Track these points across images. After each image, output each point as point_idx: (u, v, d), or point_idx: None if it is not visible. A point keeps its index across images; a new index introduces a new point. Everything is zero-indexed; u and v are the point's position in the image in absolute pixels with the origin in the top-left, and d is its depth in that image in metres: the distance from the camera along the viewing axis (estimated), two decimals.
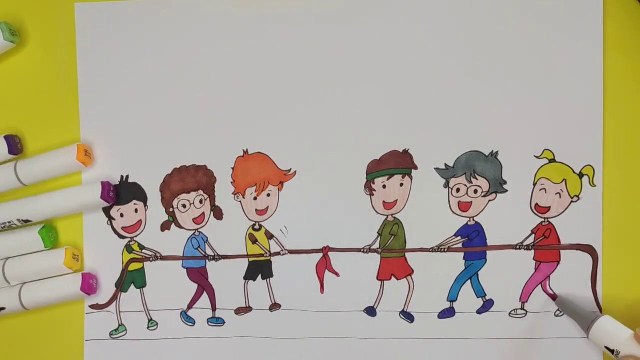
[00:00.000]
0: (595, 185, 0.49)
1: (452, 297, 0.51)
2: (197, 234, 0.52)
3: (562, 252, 0.50)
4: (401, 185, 0.50)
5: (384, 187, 0.50)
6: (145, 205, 0.52)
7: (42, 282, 0.51)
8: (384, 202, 0.51)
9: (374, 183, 0.51)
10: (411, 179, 0.50)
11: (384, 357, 0.51)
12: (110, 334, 0.53)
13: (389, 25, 0.50)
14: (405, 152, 0.50)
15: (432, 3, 0.50)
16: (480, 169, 0.50)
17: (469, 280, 0.50)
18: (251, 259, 0.52)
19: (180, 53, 0.51)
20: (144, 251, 0.52)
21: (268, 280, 0.52)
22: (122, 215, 0.52)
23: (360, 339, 0.51)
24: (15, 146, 0.51)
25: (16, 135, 0.52)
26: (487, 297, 0.50)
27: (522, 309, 0.50)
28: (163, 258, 0.52)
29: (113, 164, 0.52)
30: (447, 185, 0.50)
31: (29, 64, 0.52)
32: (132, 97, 0.52)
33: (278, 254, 0.51)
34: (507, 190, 0.50)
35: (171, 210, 0.52)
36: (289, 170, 0.51)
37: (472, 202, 0.50)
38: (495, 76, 0.49)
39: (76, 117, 0.52)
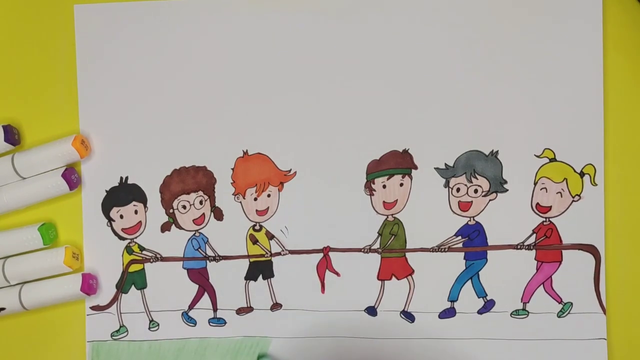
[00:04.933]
0: (596, 184, 0.49)
1: (453, 297, 0.50)
2: (197, 234, 0.52)
3: (563, 252, 0.50)
4: (401, 185, 0.50)
5: (384, 187, 0.50)
6: (145, 206, 0.52)
7: (42, 282, 0.51)
8: (384, 202, 0.50)
9: (374, 183, 0.51)
10: (411, 179, 0.50)
11: (385, 356, 0.51)
12: (112, 335, 0.53)
13: (389, 26, 0.50)
14: (405, 152, 0.50)
15: (431, 3, 0.50)
16: (480, 169, 0.50)
17: (470, 280, 0.50)
18: (252, 259, 0.52)
19: (179, 54, 0.51)
20: (144, 252, 0.52)
21: (269, 280, 0.52)
22: (121, 217, 0.52)
23: (360, 338, 0.51)
24: (13, 136, 0.51)
25: (14, 127, 0.52)
26: (488, 297, 0.50)
27: (524, 309, 0.50)
28: (163, 259, 0.52)
29: (113, 166, 0.52)
30: (447, 184, 0.50)
31: (28, 64, 0.52)
32: (131, 98, 0.52)
33: (279, 254, 0.51)
34: (507, 190, 0.50)
35: (171, 211, 0.52)
36: (289, 171, 0.51)
37: (472, 201, 0.50)
38: (495, 75, 0.49)
39: (75, 119, 0.52)
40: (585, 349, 0.50)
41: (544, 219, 0.50)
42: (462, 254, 0.50)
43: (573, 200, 0.49)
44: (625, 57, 0.49)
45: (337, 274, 0.51)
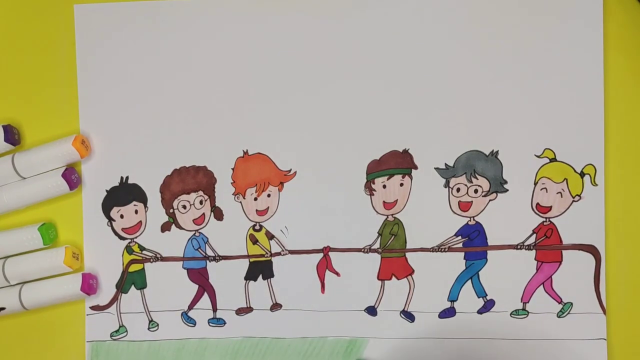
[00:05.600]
0: (596, 185, 0.49)
1: (453, 297, 0.50)
2: (197, 234, 0.52)
3: (564, 252, 0.50)
4: (401, 185, 0.50)
5: (384, 187, 0.50)
6: (145, 206, 0.52)
7: (42, 282, 0.51)
8: (384, 202, 0.50)
9: (374, 183, 0.51)
10: (411, 179, 0.50)
11: (384, 356, 0.51)
12: (111, 335, 0.53)
13: (389, 26, 0.50)
14: (405, 151, 0.50)
15: (432, 4, 0.50)
16: (480, 169, 0.50)
17: (470, 280, 0.50)
18: (252, 259, 0.52)
19: (179, 54, 0.51)
20: (144, 252, 0.52)
21: (269, 280, 0.52)
22: (122, 217, 0.52)
23: (360, 338, 0.51)
24: (13, 136, 0.51)
25: (14, 127, 0.52)
26: (488, 297, 0.50)
27: (524, 309, 0.50)
28: (163, 259, 0.52)
29: (113, 166, 0.52)
30: (447, 184, 0.50)
31: (28, 64, 0.52)
32: (131, 98, 0.52)
33: (279, 254, 0.51)
34: (507, 190, 0.50)
35: (171, 211, 0.52)
36: (289, 171, 0.51)
37: (472, 201, 0.50)
38: (495, 75, 0.49)
39: (75, 119, 0.52)
40: (585, 349, 0.50)
41: (544, 219, 0.50)
42: (462, 254, 0.50)
43: (573, 201, 0.49)
44: (626, 57, 0.49)
45: (337, 274, 0.51)
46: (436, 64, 0.50)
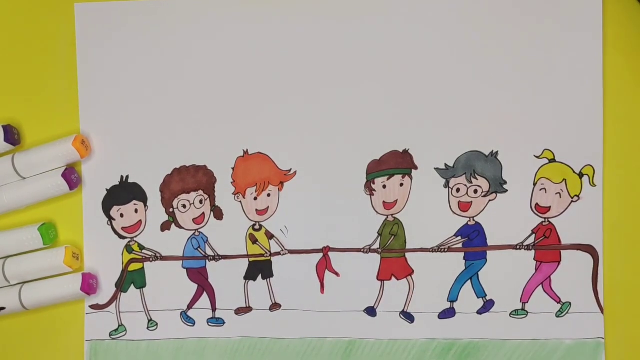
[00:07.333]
0: (595, 185, 0.49)
1: (453, 297, 0.51)
2: (197, 234, 0.52)
3: (562, 252, 0.50)
4: (401, 185, 0.50)
5: (384, 187, 0.50)
6: (145, 205, 0.52)
7: (42, 282, 0.51)
8: (384, 202, 0.51)
9: (374, 183, 0.51)
10: (411, 179, 0.50)
11: (384, 357, 0.51)
12: (110, 334, 0.53)
13: (389, 27, 0.50)
14: (405, 152, 0.50)
15: (432, 3, 0.50)
16: (480, 169, 0.50)
17: (469, 281, 0.50)
18: (251, 259, 0.52)
19: (179, 53, 0.51)
20: (143, 251, 0.52)
21: (268, 280, 0.52)
22: (122, 216, 0.52)
23: (360, 338, 0.51)
24: (13, 136, 0.51)
25: (14, 127, 0.52)
26: (488, 298, 0.50)
27: (523, 309, 0.50)
28: (163, 258, 0.52)
29: (113, 165, 0.52)
30: (447, 185, 0.50)
31: (28, 64, 0.52)
32: (132, 97, 0.52)
33: (278, 254, 0.51)
34: (507, 190, 0.50)
35: (171, 210, 0.52)
36: (289, 170, 0.51)
37: (472, 202, 0.50)
38: (495, 76, 0.49)
39: (76, 119, 0.52)
40: (583, 348, 0.50)
41: (543, 220, 0.50)
42: (462, 254, 0.50)
43: (572, 201, 0.49)
44: (625, 57, 0.49)
45: (337, 274, 0.51)
46: (436, 65, 0.50)
